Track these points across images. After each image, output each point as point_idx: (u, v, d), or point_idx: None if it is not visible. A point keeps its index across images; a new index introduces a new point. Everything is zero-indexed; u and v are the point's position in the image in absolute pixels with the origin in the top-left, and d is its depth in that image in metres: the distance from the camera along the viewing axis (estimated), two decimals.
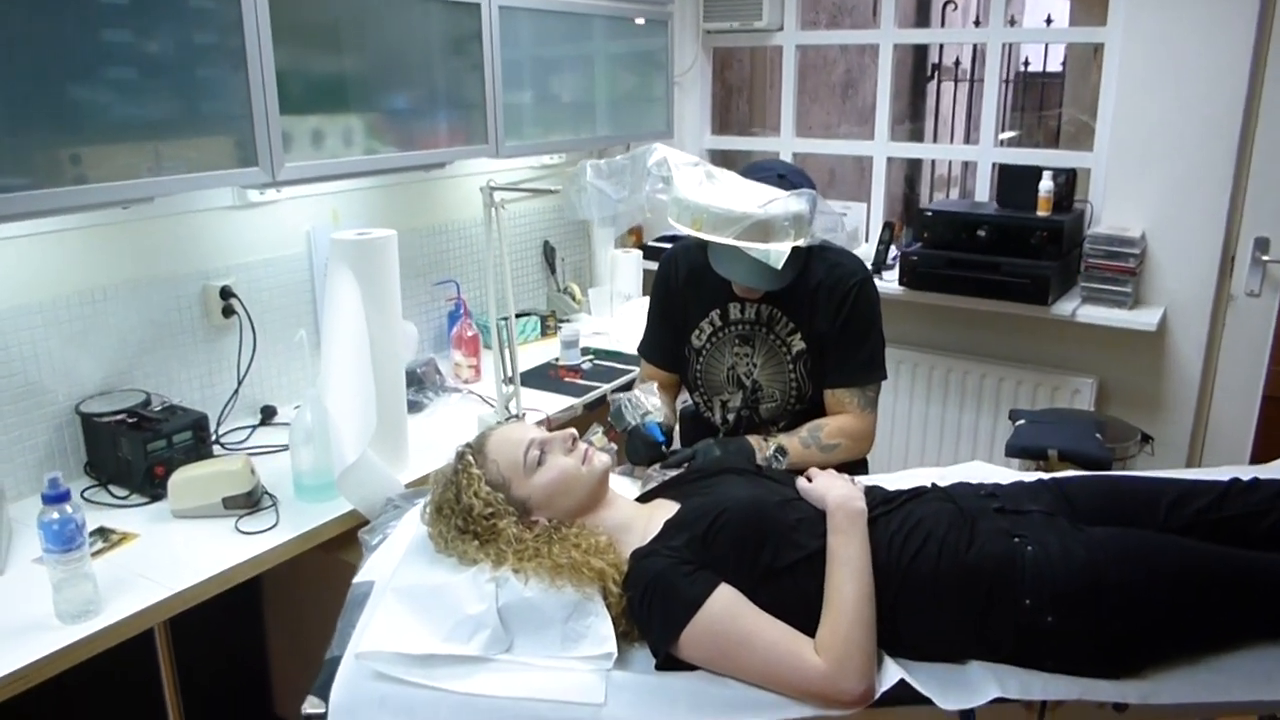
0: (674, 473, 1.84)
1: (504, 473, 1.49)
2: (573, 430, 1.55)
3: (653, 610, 1.36)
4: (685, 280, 2.15)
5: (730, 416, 2.14)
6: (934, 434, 3.21)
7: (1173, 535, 1.44)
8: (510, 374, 2.24)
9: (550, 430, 1.56)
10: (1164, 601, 1.33)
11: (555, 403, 2.59)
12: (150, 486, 1.94)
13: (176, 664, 1.73)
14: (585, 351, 3.01)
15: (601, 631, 1.37)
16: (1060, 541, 1.40)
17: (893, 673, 1.32)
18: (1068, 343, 2.97)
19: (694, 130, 3.74)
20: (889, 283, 3.05)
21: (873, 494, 1.54)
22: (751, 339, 2.07)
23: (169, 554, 1.76)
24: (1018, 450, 2.20)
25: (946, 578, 1.37)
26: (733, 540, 1.40)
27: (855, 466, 2.12)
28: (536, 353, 3.05)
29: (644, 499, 1.66)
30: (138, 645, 1.63)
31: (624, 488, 1.91)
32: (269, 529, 1.86)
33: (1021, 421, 2.35)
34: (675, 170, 1.76)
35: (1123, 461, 2.36)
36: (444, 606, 1.38)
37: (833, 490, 1.47)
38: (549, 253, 3.45)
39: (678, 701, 1.32)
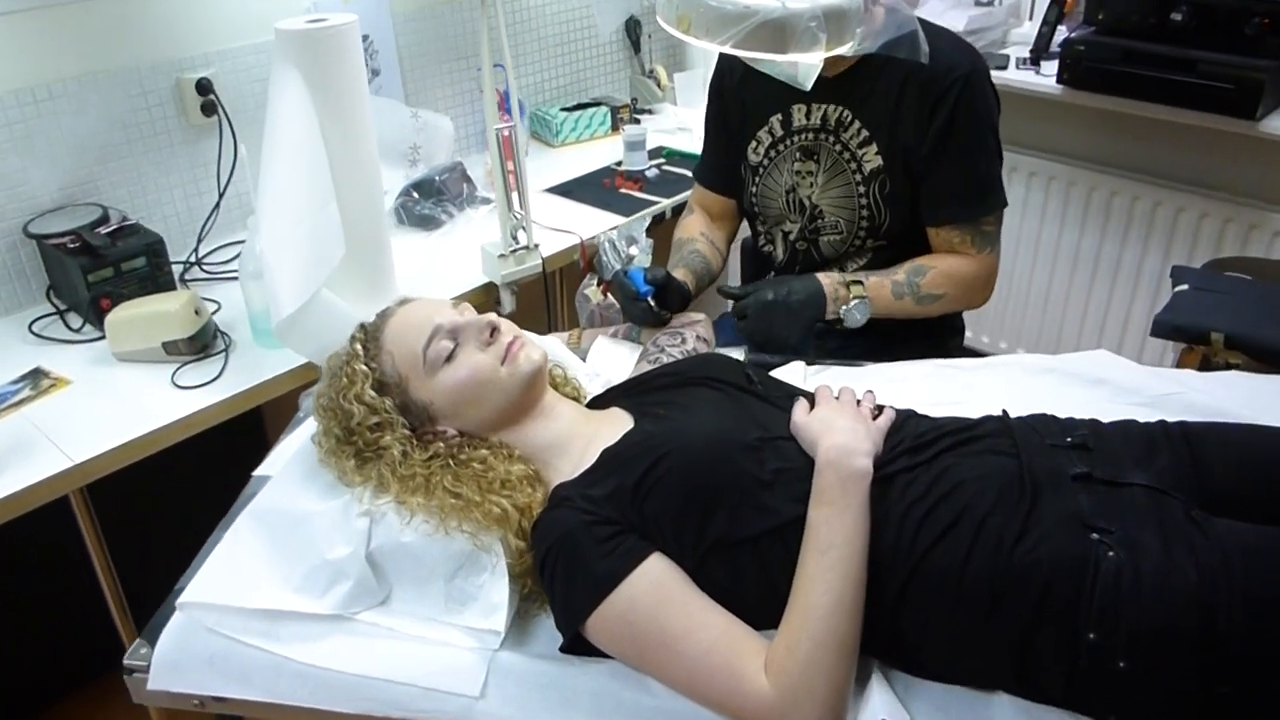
0: (675, 349, 1.43)
1: (400, 369, 1.13)
2: (491, 317, 1.15)
3: (555, 581, 1.01)
4: (742, 79, 1.64)
5: (789, 245, 1.68)
6: (1069, 278, 2.59)
7: None
8: (513, 191, 1.81)
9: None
10: None
11: (594, 222, 2.17)
12: (99, 321, 1.71)
13: (103, 527, 1.55)
14: (656, 154, 2.53)
15: (492, 598, 1.04)
16: (1163, 548, 0.93)
17: (877, 706, 0.94)
18: (1276, 171, 2.23)
19: None
20: (1046, 76, 2.36)
21: (899, 434, 1.09)
22: (815, 151, 1.57)
23: (94, 409, 1.54)
24: (1169, 329, 1.63)
25: (977, 580, 0.94)
26: (674, 497, 1.01)
27: (945, 334, 1.64)
28: (600, 153, 2.59)
29: (598, 403, 1.27)
30: (56, 510, 1.45)
31: (623, 360, 1.52)
32: (208, 383, 1.60)
33: (1184, 286, 1.75)
34: None
35: None
36: (302, 544, 1.08)
37: (830, 434, 1.03)
38: (632, 28, 2.89)
39: (573, 703, 1.00)
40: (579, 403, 1.28)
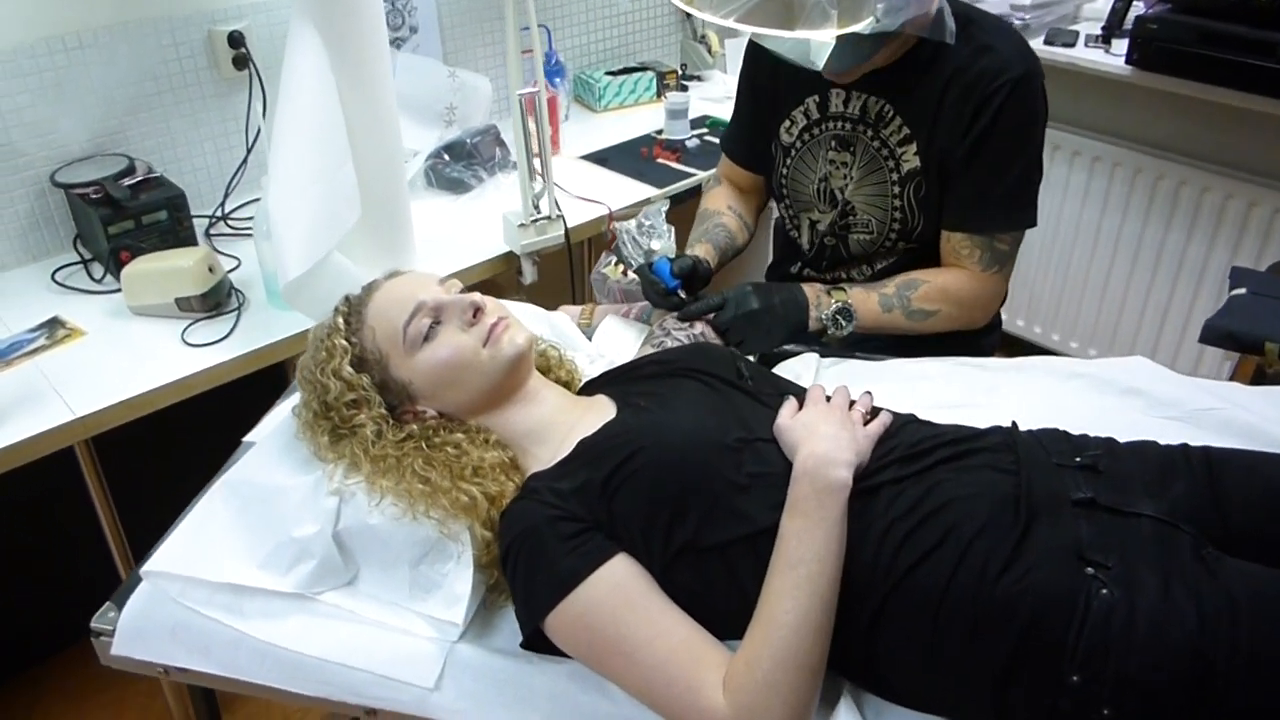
0: (681, 332, 1.38)
1: (381, 345, 1.09)
2: (474, 297, 1.10)
3: (517, 576, 0.97)
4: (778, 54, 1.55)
5: (815, 240, 1.60)
6: (1128, 271, 2.45)
7: None
8: (535, 155, 1.75)
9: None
10: None
11: (626, 193, 2.11)
12: (118, 273, 1.71)
13: (110, 481, 1.56)
14: (700, 123, 2.45)
15: (455, 588, 1.01)
16: (1163, 587, 0.85)
17: None
18: None
19: None
20: (1115, 56, 2.21)
21: (892, 441, 1.02)
22: (852, 143, 1.48)
23: (104, 362, 1.55)
24: (1219, 335, 1.52)
25: (958, 607, 0.87)
26: (642, 496, 0.96)
27: (968, 342, 1.55)
28: (643, 119, 2.53)
29: (589, 389, 1.22)
30: (61, 460, 1.46)
31: (628, 343, 1.47)
32: (217, 341, 1.59)
33: (1241, 290, 1.62)
34: None
35: None
36: (270, 519, 1.06)
37: (811, 440, 0.97)
38: None
39: (529, 702, 0.97)
40: (571, 386, 1.24)
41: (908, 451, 0.99)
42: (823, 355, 1.44)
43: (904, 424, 1.06)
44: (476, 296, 1.10)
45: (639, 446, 0.97)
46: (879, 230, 1.51)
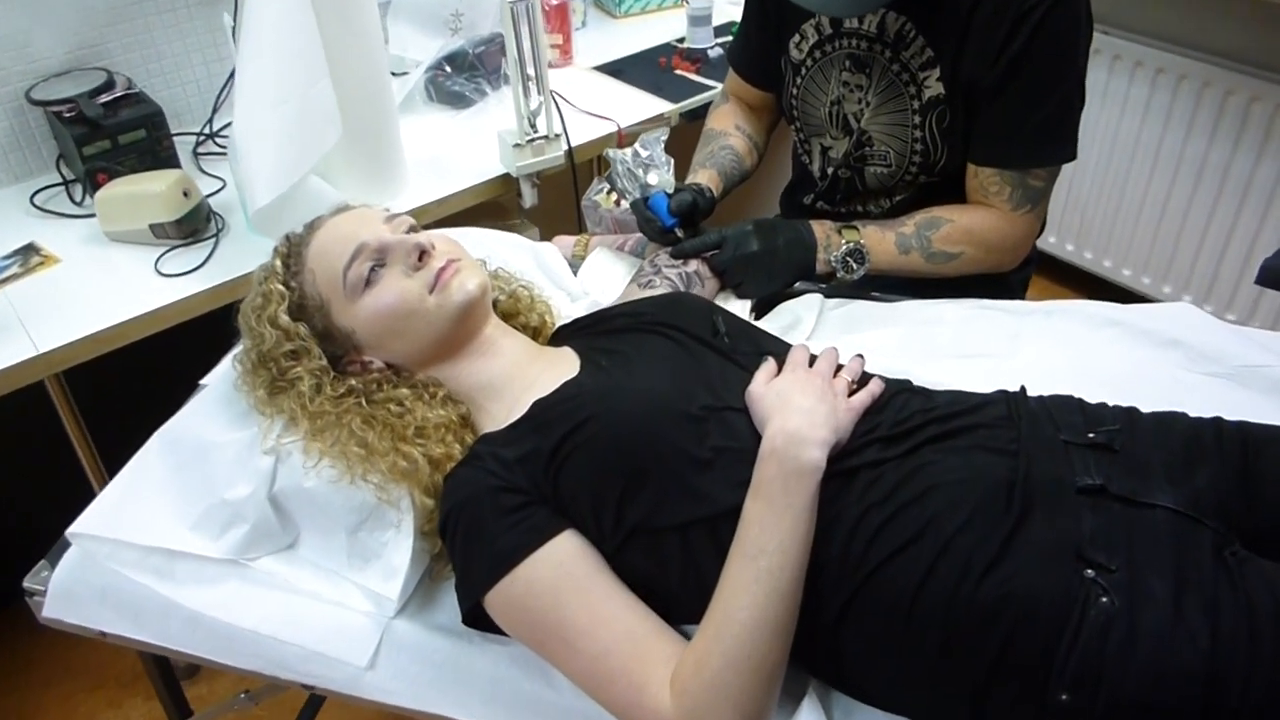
0: (673, 270, 1.26)
1: (322, 290, 1.00)
2: (419, 238, 0.99)
3: (455, 549, 0.89)
4: None
5: (830, 171, 1.45)
6: (1189, 194, 2.23)
7: None
8: (529, 64, 1.61)
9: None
10: None
11: (639, 107, 1.96)
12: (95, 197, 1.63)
13: (82, 412, 1.51)
14: (726, 30, 2.27)
15: (393, 560, 0.93)
16: (1174, 597, 0.73)
17: None
18: None
19: None
20: None
21: (878, 416, 0.89)
22: (868, 64, 1.32)
23: (75, 292, 1.48)
24: (1276, 277, 1.35)
25: (932, 611, 0.77)
26: (591, 470, 0.86)
27: (995, 281, 1.40)
28: (665, 26, 2.34)
29: (558, 337, 1.12)
30: (31, 394, 1.41)
31: (617, 279, 1.36)
32: (189, 271, 1.51)
33: None
34: None
35: None
36: (204, 478, 0.99)
37: (782, 413, 0.85)
38: None
39: (469, 685, 0.90)
40: (542, 332, 1.14)
41: (893, 429, 0.87)
42: (828, 295, 1.32)
43: (894, 394, 0.93)
44: (423, 236, 0.99)
45: (590, 414, 0.87)
46: (897, 163, 1.35)
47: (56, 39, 1.73)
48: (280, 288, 1.00)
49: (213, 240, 1.57)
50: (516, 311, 1.14)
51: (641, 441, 0.85)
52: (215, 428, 1.01)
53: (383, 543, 0.94)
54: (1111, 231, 2.44)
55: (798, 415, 0.84)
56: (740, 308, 1.29)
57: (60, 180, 1.74)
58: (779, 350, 0.98)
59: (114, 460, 1.51)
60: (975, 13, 1.20)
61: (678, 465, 0.85)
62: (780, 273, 1.29)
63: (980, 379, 1.13)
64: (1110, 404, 0.93)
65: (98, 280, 1.51)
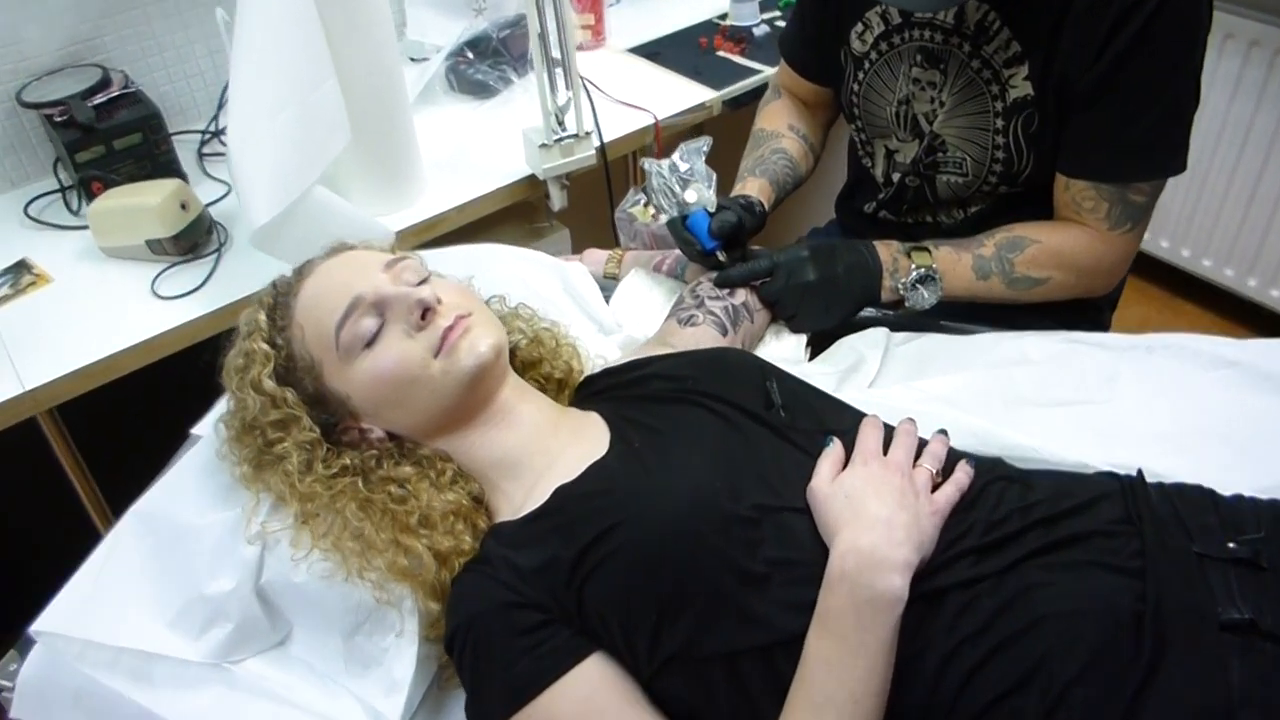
0: (718, 304, 1.10)
1: (312, 350, 0.87)
2: (423, 293, 0.85)
3: (464, 670, 0.76)
4: None
5: (895, 177, 1.29)
6: (1262, 173, 2.02)
7: None
8: (555, 48, 1.45)
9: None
10: None
11: (677, 96, 1.79)
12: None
13: (78, 444, 1.40)
14: (771, 4, 2.08)
15: (394, 672, 0.81)
16: None
17: None
18: None
19: None
20: None
21: (968, 515, 0.74)
22: (943, 59, 1.15)
23: (66, 318, 1.37)
24: None
25: None
26: (620, 589, 0.72)
27: (1082, 314, 1.23)
28: (705, 1, 2.16)
29: (584, 391, 0.97)
30: (23, 430, 1.31)
31: (653, 309, 1.21)
32: (188, 293, 1.39)
33: None
34: None
35: None
36: (182, 566, 0.87)
37: (855, 525, 0.70)
38: None
39: None
40: (568, 385, 1.00)
41: (987, 535, 0.72)
42: (894, 327, 1.16)
43: (986, 484, 0.78)
44: (427, 291, 0.85)
45: (619, 519, 0.73)
46: (975, 171, 1.19)
47: (48, 33, 1.60)
48: (265, 347, 0.87)
49: (214, 256, 1.45)
50: (539, 359, 1.00)
51: (681, 555, 0.71)
52: (195, 506, 0.89)
53: (383, 649, 0.82)
54: (1213, 227, 2.22)
55: (873, 528, 0.69)
56: (794, 344, 1.14)
57: (58, 187, 1.63)
58: (844, 425, 0.83)
59: (119, 497, 1.40)
60: (1072, 2, 1.02)
61: (725, 583, 0.71)
62: (840, 304, 1.13)
63: (1071, 434, 0.98)
64: (1247, 495, 0.77)
65: (91, 303, 1.39)
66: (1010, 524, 0.72)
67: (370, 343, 0.84)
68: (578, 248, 1.82)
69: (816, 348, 1.16)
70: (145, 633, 0.85)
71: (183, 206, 1.43)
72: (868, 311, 1.18)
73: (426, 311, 0.84)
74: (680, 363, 0.92)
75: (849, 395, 1.03)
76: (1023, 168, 1.16)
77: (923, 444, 0.82)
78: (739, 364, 0.91)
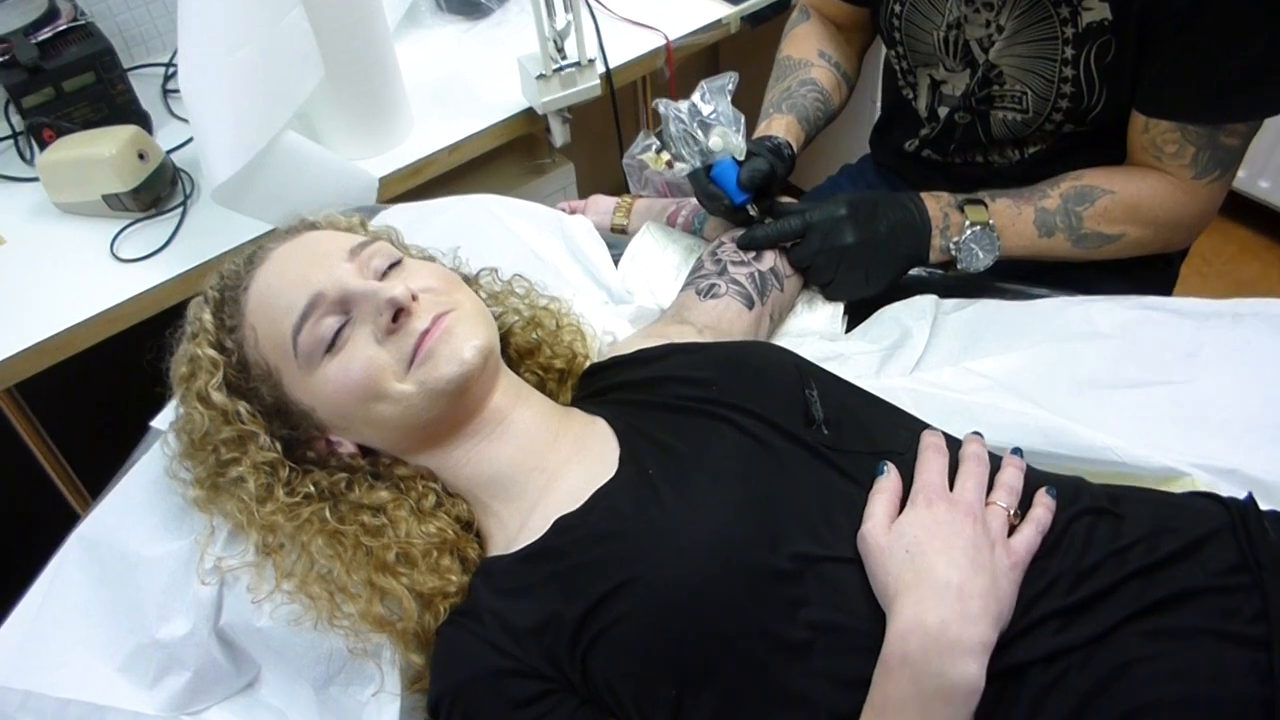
0: (742, 270, 0.96)
1: (267, 356, 0.74)
2: (395, 291, 0.71)
3: None
4: None
5: (941, 112, 1.13)
6: None
7: None
8: None
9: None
10: None
11: (692, 11, 1.61)
12: None
13: (43, 421, 1.29)
14: None
15: None
16: None
17: None
18: None
19: None
20: None
21: (1052, 563, 0.61)
22: None
23: (17, 285, 1.24)
24: None
25: None
26: (633, 660, 0.60)
27: (1148, 264, 1.09)
28: None
29: (589, 383, 0.84)
30: None
31: (667, 270, 1.07)
32: (152, 254, 1.25)
33: None
34: None
35: None
36: (132, 602, 0.76)
37: (918, 591, 0.57)
38: None
39: None
40: (572, 372, 0.86)
41: (1073, 590, 0.59)
42: (943, 294, 1.01)
43: (1070, 520, 0.64)
44: (398, 289, 0.70)
45: (629, 576, 0.61)
46: (1036, 108, 1.02)
47: None
48: (211, 353, 0.74)
49: (179, 210, 1.31)
50: (537, 346, 0.86)
51: (705, 619, 0.59)
52: (145, 531, 0.77)
53: (361, 703, 0.71)
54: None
55: (942, 599, 0.56)
56: (829, 314, 1.00)
57: (10, 132, 1.47)
58: (898, 444, 0.69)
59: (96, 479, 1.29)
60: None
61: (758, 652, 0.59)
62: (882, 270, 0.98)
63: (1150, 425, 0.85)
64: None
65: (46, 268, 1.26)
66: (1102, 575, 0.60)
67: (333, 347, 0.71)
68: (583, 184, 1.67)
69: (854, 316, 1.02)
70: (94, 678, 0.74)
71: (141, 156, 1.28)
72: (914, 271, 1.03)
73: (399, 313, 0.70)
74: (702, 360, 0.78)
75: (893, 381, 0.90)
76: (1093, 104, 0.99)
77: (993, 459, 0.68)
78: (772, 365, 0.77)
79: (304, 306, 0.70)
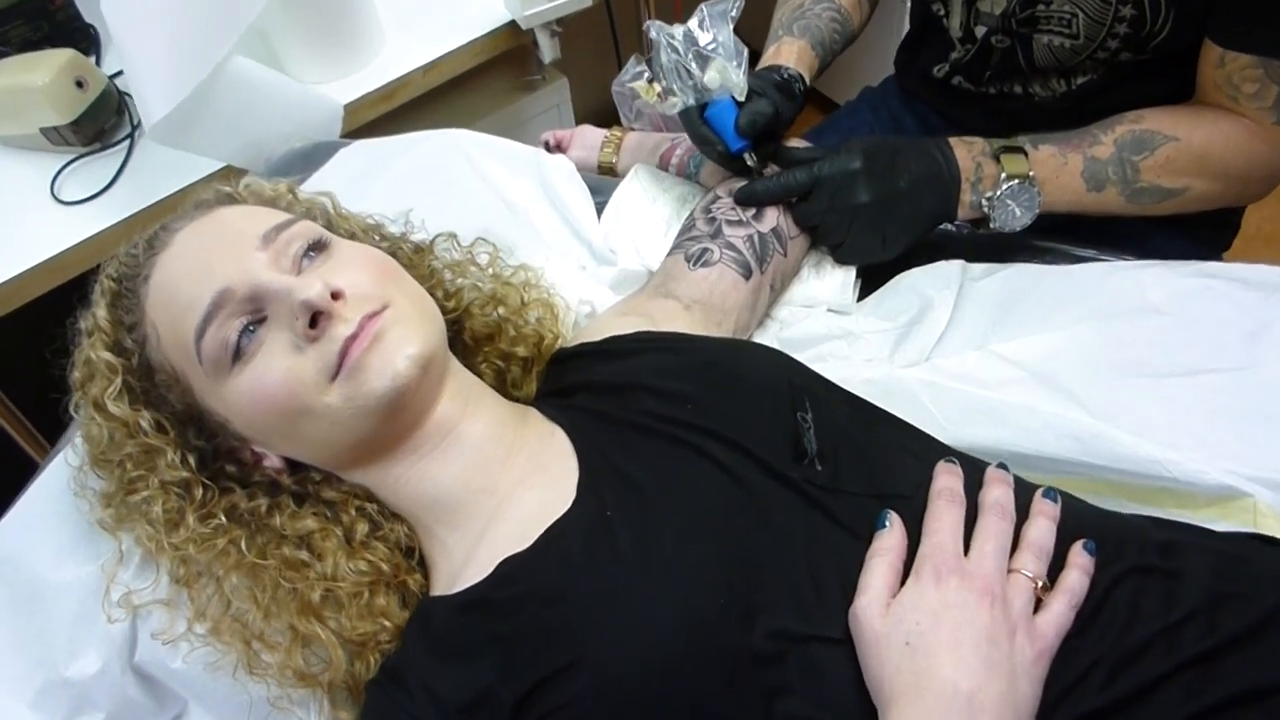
0: (739, 231, 0.84)
1: (172, 359, 0.63)
2: (311, 291, 0.58)
3: None
4: None
5: (977, 33, 0.97)
6: None
7: None
8: None
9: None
10: None
11: None
12: None
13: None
14: None
15: None
16: None
17: None
18: None
19: None
20: None
21: (1089, 646, 0.51)
22: None
23: None
24: None
25: None
26: None
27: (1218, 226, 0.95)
28: None
29: (557, 374, 0.73)
30: None
31: (655, 227, 0.95)
32: (96, 195, 1.14)
33: None
34: None
35: None
36: (40, 632, 0.68)
37: (919, 697, 0.47)
38: None
39: None
40: (537, 360, 0.75)
41: (1111, 682, 0.49)
42: (971, 255, 0.88)
43: (1113, 583, 0.53)
44: (315, 288, 0.58)
45: (575, 657, 0.51)
46: (1089, 32, 0.87)
47: None
48: (107, 356, 0.63)
49: (126, 144, 1.18)
50: (498, 329, 0.75)
51: (665, 713, 0.50)
52: (54, 551, 0.68)
53: None
54: None
55: (949, 715, 0.46)
56: (839, 281, 0.88)
57: None
58: (906, 483, 0.57)
59: (53, 426, 1.21)
60: None
61: None
62: (902, 231, 0.85)
63: (1201, 420, 0.74)
64: None
65: None
66: (1149, 663, 0.49)
67: (242, 355, 0.60)
68: (579, 103, 1.52)
69: (869, 280, 0.90)
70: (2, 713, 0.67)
71: (79, 84, 1.15)
72: (941, 231, 0.90)
73: (317, 317, 0.59)
74: (679, 368, 0.66)
75: (909, 373, 0.78)
76: (1157, 30, 0.84)
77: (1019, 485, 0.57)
78: (760, 380, 0.65)
79: (208, 305, 0.59)
